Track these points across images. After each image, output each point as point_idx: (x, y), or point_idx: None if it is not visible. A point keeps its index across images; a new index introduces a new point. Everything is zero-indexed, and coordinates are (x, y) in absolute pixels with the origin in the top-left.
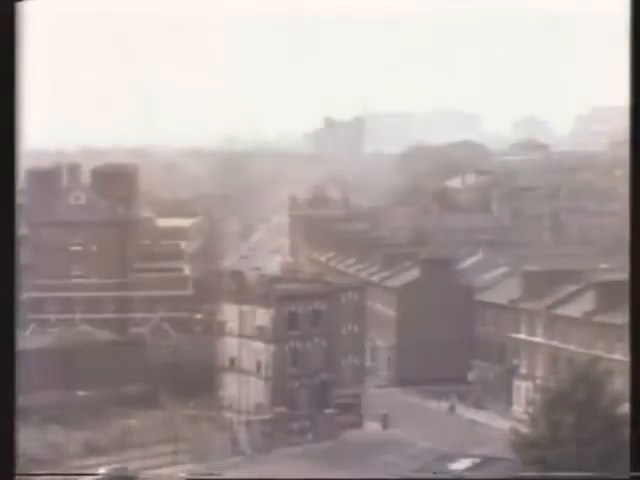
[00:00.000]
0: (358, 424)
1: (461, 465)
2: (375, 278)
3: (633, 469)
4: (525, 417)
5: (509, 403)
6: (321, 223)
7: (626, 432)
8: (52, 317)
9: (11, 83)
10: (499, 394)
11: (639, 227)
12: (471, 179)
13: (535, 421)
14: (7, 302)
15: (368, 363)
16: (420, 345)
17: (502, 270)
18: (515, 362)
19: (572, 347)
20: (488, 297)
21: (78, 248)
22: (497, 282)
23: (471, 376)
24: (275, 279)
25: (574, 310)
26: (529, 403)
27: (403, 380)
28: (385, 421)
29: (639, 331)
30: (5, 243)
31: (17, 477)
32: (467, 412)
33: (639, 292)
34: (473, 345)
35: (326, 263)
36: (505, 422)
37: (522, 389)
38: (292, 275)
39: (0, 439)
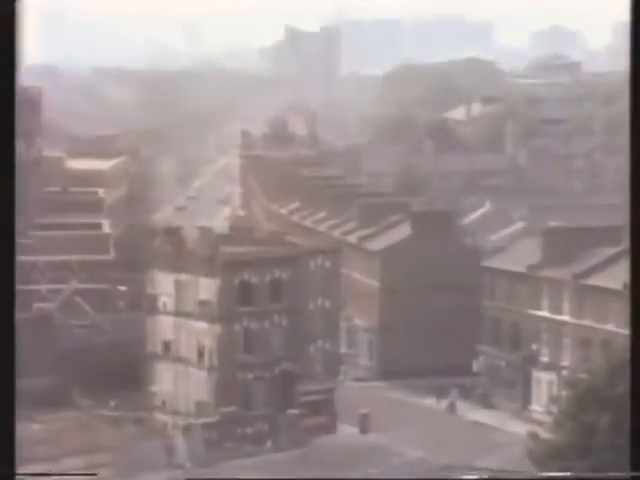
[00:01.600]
0: (331, 428)
1: None
2: (352, 238)
3: (633, 469)
4: (547, 418)
5: (526, 401)
6: (282, 166)
7: None
8: None
9: (11, 82)
10: (513, 389)
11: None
12: (478, 109)
13: (560, 424)
14: (6, 303)
15: (344, 349)
16: (411, 326)
17: (518, 227)
18: (534, 347)
19: (609, 327)
20: (499, 263)
21: None
22: (511, 243)
23: (477, 366)
24: (222, 239)
25: (611, 280)
26: (552, 400)
27: (389, 371)
28: (365, 424)
29: (639, 334)
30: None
31: (17, 477)
32: (471, 412)
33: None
34: (480, 326)
35: (289, 218)
36: (521, 425)
37: (543, 382)
38: (245, 234)
39: (0, 439)
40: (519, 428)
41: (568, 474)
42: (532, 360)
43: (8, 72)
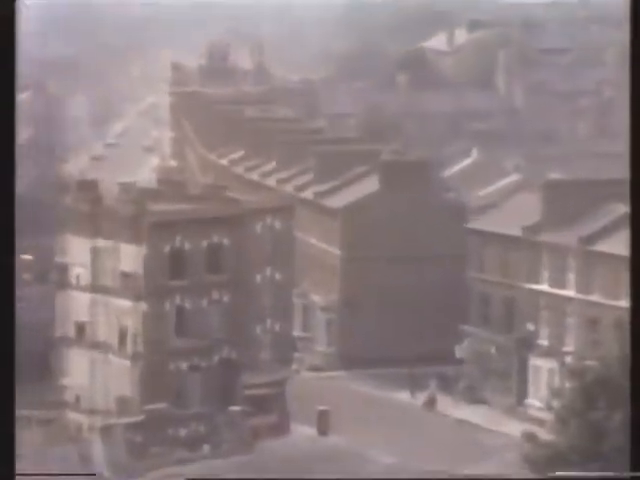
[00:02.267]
0: (282, 429)
1: None
2: (308, 194)
3: (633, 469)
4: (547, 416)
5: (521, 394)
6: (222, 105)
7: None
8: None
9: (11, 81)
10: (506, 380)
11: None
12: (462, 36)
13: (563, 422)
14: (6, 304)
15: (298, 332)
16: (379, 303)
17: (511, 180)
18: (531, 328)
19: (622, 303)
20: (489, 224)
21: None
22: (503, 200)
23: (461, 351)
24: (149, 195)
25: (626, 245)
26: (554, 394)
27: (353, 359)
28: (324, 423)
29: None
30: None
31: (17, 477)
32: (455, 408)
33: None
34: (464, 302)
35: (230, 169)
36: (515, 424)
37: (542, 371)
38: (176, 189)
39: (0, 439)
40: (513, 428)
41: (568, 474)
42: (529, 344)
43: (8, 72)
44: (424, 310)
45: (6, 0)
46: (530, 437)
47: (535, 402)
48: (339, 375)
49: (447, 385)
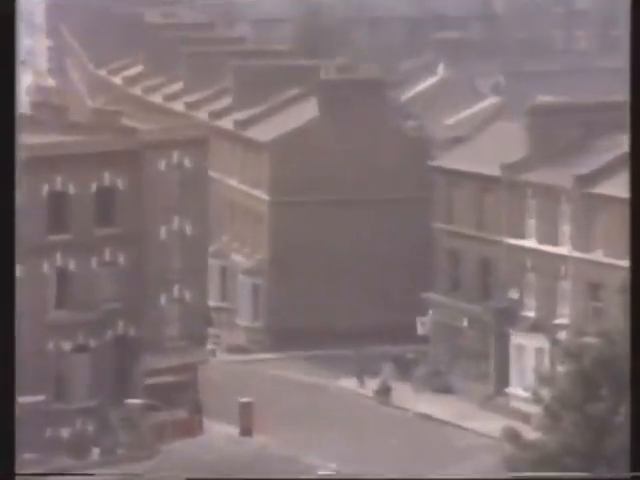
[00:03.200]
0: (193, 427)
1: None
2: (226, 122)
3: (633, 469)
4: (534, 408)
5: (501, 380)
6: (114, 7)
7: None
8: None
9: (11, 81)
10: (480, 362)
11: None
12: None
13: (555, 416)
14: (6, 304)
15: (214, 301)
16: (321, 263)
17: (488, 104)
18: (514, 296)
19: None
20: (460, 161)
21: None
22: (478, 130)
23: (424, 326)
24: (20, 123)
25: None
26: (543, 380)
27: (284, 336)
28: (248, 420)
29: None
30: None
31: (17, 477)
32: (415, 399)
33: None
34: (428, 262)
35: (125, 90)
36: (493, 418)
37: (528, 351)
38: (55, 115)
39: (0, 439)
40: (490, 424)
41: (570, 474)
42: (510, 316)
43: (8, 71)
44: (376, 272)
45: (6, 0)
46: (512, 436)
47: (518, 391)
48: (267, 358)
49: (405, 370)
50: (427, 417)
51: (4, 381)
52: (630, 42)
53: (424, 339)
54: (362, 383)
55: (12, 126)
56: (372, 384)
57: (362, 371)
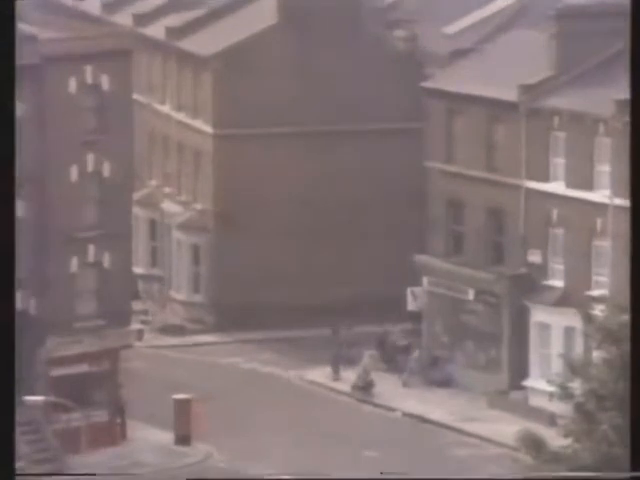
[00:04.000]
0: (114, 432)
1: None
2: (156, 30)
3: (633, 469)
4: (560, 407)
5: (517, 370)
6: None
7: None
8: None
9: (11, 81)
10: (489, 346)
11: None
12: None
13: (590, 417)
14: (6, 306)
15: (141, 267)
16: (281, 215)
17: (501, 5)
18: (535, 259)
19: None
20: (461, 81)
21: None
22: (486, 40)
23: (415, 300)
24: None
25: None
26: (574, 369)
27: (234, 313)
28: (185, 423)
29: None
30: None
31: (17, 477)
32: (404, 395)
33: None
34: (421, 213)
35: None
36: (506, 420)
37: (553, 332)
38: None
39: (0, 439)
40: (503, 427)
41: (570, 474)
42: (530, 286)
43: (8, 71)
44: (354, 229)
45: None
46: (531, 443)
47: (540, 384)
48: (211, 342)
49: (392, 356)
50: (420, 418)
51: (4, 381)
52: (630, 42)
53: (416, 316)
54: (336, 374)
55: (12, 124)
56: (349, 376)
57: (336, 359)
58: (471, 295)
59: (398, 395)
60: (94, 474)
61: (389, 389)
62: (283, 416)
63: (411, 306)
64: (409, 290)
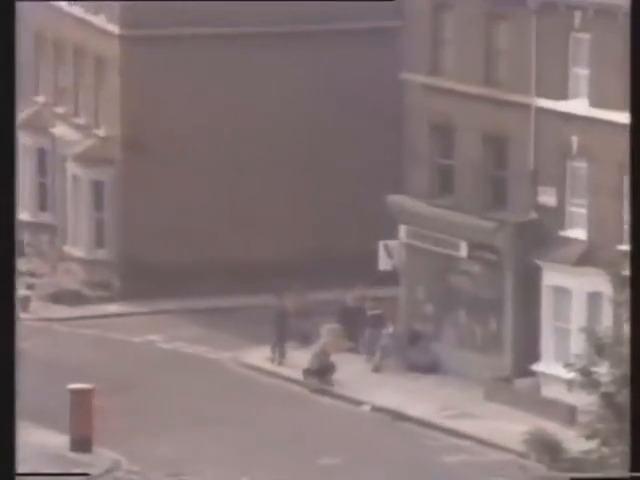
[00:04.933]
0: None
1: None
2: None
3: (633, 469)
4: (581, 398)
5: (525, 351)
6: None
7: None
8: None
9: (11, 81)
10: (488, 319)
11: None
12: None
13: (619, 411)
14: (6, 304)
15: (27, 213)
16: (210, 146)
17: None
18: (548, 201)
19: None
20: None
21: None
22: None
23: (391, 257)
24: None
25: None
26: (599, 348)
27: (146, 275)
28: (83, 422)
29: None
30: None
31: (17, 477)
32: (374, 383)
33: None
34: (397, 144)
35: None
36: (509, 416)
37: (574, 300)
38: None
39: (0, 439)
40: (505, 425)
41: (570, 474)
42: (542, 238)
43: (7, 72)
44: (307, 160)
45: (6, 0)
46: (544, 447)
47: (555, 368)
48: (120, 312)
49: (358, 332)
50: (395, 414)
51: (4, 381)
52: (630, 41)
53: (391, 279)
54: (282, 356)
55: (13, 124)
56: (301, 357)
57: (282, 335)
58: (464, 250)
59: (367, 383)
60: (88, 474)
61: (354, 375)
62: (213, 412)
63: (384, 265)
64: (381, 244)
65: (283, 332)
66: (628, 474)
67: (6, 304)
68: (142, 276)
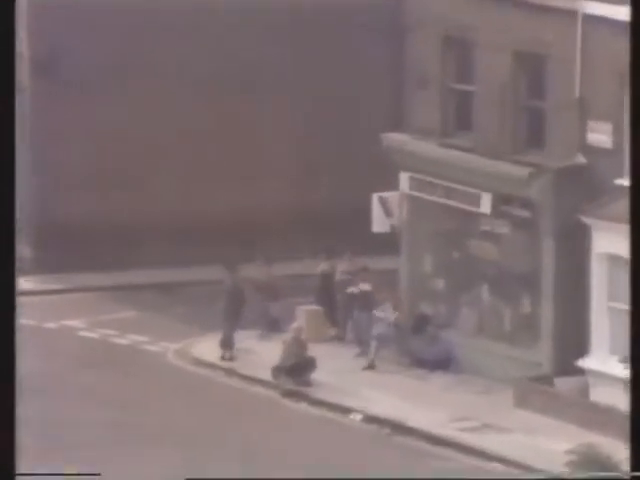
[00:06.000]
0: None
1: None
2: None
3: (633, 469)
4: None
5: (564, 339)
6: None
7: None
8: None
9: (11, 82)
10: (520, 298)
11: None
12: None
13: None
14: (6, 302)
15: None
16: (145, 77)
17: None
18: (595, 139)
19: None
20: None
21: None
22: None
23: (386, 217)
24: None
25: None
26: None
27: (69, 243)
28: None
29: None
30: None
31: (17, 477)
32: (366, 383)
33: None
34: (393, 64)
35: None
36: (549, 429)
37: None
38: None
39: (0, 439)
40: (542, 441)
41: (570, 474)
42: (589, 186)
43: (7, 72)
44: (277, 82)
45: (6, 0)
46: (596, 467)
47: (608, 365)
48: (29, 290)
49: (345, 316)
50: (395, 426)
51: (4, 381)
52: (630, 41)
53: (389, 244)
54: (229, 349)
55: (12, 125)
56: (268, 350)
57: (233, 323)
58: (487, 206)
59: (357, 384)
60: (98, 474)
61: (340, 374)
62: (149, 424)
63: (379, 226)
64: (375, 197)
65: (235, 317)
66: (628, 474)
67: (5, 306)
68: (58, 242)
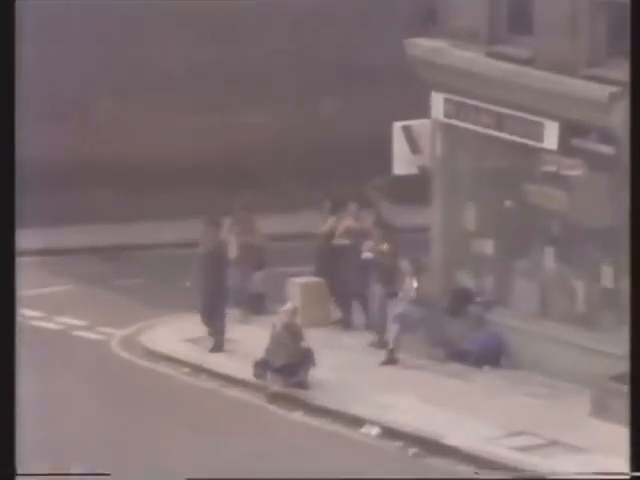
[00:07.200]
0: None
1: None
2: None
3: (633, 469)
4: None
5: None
6: None
7: None
8: None
9: (11, 82)
10: (591, 265)
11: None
12: None
13: None
14: (5, 303)
15: None
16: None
17: None
18: None
19: None
20: None
21: None
22: None
23: (412, 155)
24: None
25: None
26: None
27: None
28: None
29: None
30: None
31: (17, 477)
32: (385, 381)
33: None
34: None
35: None
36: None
37: None
38: None
39: (0, 439)
40: (622, 462)
41: (570, 474)
42: None
43: (7, 72)
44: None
45: (6, 0)
46: None
47: None
48: None
49: (355, 292)
50: (425, 443)
51: (4, 380)
52: (630, 41)
53: (414, 192)
54: (218, 337)
55: (12, 126)
56: (250, 339)
57: (217, 300)
58: (552, 139)
59: (370, 386)
60: (101, 474)
61: (348, 371)
62: (89, 438)
63: (402, 166)
64: (397, 127)
65: (217, 290)
66: (628, 474)
67: (5, 305)
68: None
